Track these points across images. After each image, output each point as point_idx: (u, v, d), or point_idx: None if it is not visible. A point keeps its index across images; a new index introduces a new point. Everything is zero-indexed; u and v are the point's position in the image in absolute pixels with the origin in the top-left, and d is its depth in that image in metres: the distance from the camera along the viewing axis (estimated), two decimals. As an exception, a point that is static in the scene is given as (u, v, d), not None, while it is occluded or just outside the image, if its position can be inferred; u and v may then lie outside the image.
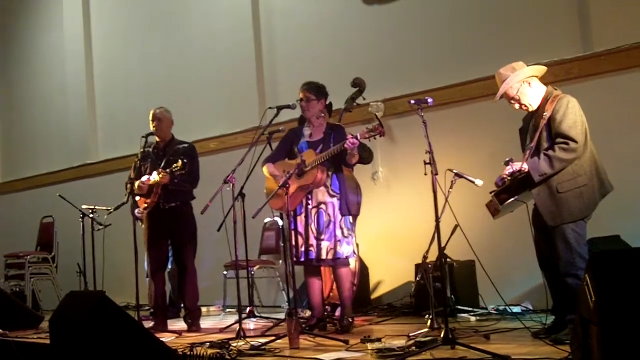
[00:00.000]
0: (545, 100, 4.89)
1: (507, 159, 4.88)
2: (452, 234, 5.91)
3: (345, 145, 5.68)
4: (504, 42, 7.35)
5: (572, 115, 4.72)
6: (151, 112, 7.03)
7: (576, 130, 4.69)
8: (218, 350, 5.00)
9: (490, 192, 4.97)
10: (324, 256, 5.91)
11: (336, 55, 8.67)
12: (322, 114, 6.19)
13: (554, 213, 4.74)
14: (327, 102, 6.30)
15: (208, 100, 9.96)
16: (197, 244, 7.02)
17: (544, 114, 4.78)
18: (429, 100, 5.25)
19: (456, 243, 5.91)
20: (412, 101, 5.21)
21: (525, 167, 4.76)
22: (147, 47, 10.79)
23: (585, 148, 4.74)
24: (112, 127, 11.17)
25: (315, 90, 6.17)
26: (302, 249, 5.96)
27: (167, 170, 6.56)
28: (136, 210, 6.93)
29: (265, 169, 6.20)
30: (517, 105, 4.99)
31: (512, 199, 4.81)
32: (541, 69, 5.03)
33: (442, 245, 5.10)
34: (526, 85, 4.92)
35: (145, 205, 6.86)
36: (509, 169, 4.84)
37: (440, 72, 7.76)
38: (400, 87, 7.92)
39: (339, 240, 5.91)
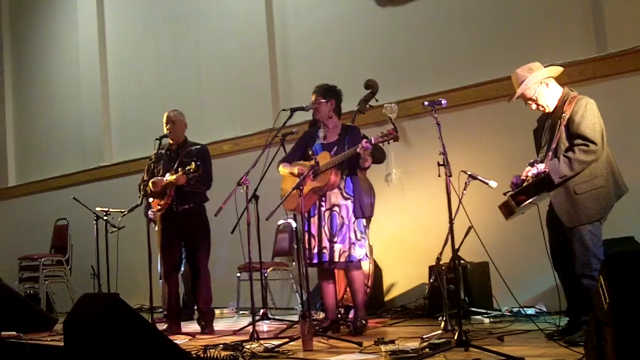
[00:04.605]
0: (562, 102, 4.88)
1: (532, 160, 4.87)
2: (465, 235, 5.93)
3: (358, 150, 5.69)
4: (518, 43, 7.33)
5: (590, 117, 4.72)
6: (165, 115, 7.06)
7: (595, 132, 4.68)
8: (232, 353, 5.00)
9: (505, 193, 4.96)
10: (337, 259, 5.90)
11: (349, 57, 8.67)
12: (332, 115, 6.18)
13: (571, 214, 4.73)
14: (340, 104, 6.28)
15: (221, 102, 9.98)
16: (211, 246, 7.02)
17: (563, 115, 4.77)
18: (443, 101, 5.25)
19: (470, 245, 5.90)
20: (426, 103, 5.21)
21: (547, 169, 4.74)
22: (160, 49, 10.82)
23: (602, 150, 4.73)
24: (125, 129, 11.20)
25: (323, 92, 6.17)
26: (315, 251, 5.95)
27: (183, 171, 6.58)
28: (149, 212, 6.95)
29: (282, 168, 6.20)
30: (534, 106, 4.99)
31: (529, 201, 4.79)
32: (557, 70, 5.02)
33: (456, 247, 5.10)
34: (544, 86, 4.91)
35: (159, 207, 6.88)
36: (532, 170, 4.81)
37: (454, 74, 7.74)
38: (414, 88, 7.91)
39: (353, 243, 5.90)
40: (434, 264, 6.05)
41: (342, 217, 5.94)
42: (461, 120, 7.48)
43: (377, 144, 5.76)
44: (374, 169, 7.19)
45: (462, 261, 6.69)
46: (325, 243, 5.93)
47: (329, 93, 6.18)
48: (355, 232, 5.95)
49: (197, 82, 10.28)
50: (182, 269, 7.41)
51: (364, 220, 6.09)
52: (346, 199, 5.99)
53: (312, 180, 5.95)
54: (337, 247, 5.90)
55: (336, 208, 5.97)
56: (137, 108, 11.02)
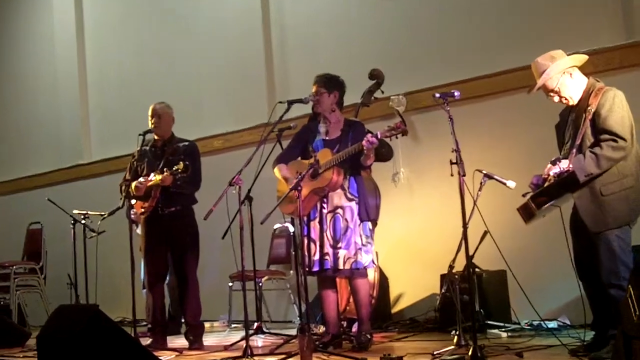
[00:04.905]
0: (587, 93, 4.87)
1: (554, 158, 4.85)
2: (481, 241, 5.85)
3: (363, 144, 5.66)
4: (538, 29, 7.33)
5: (619, 110, 4.71)
6: (151, 108, 7.05)
7: (624, 127, 4.68)
8: (223, 370, 5.00)
9: (524, 195, 4.95)
10: (341, 266, 5.90)
11: (352, 44, 8.69)
12: (335, 109, 6.19)
13: (597, 218, 4.72)
14: (343, 96, 6.30)
15: (212, 94, 9.99)
16: (200, 252, 7.03)
17: (588, 108, 4.75)
18: (456, 93, 5.27)
19: (486, 251, 5.87)
20: (437, 95, 5.24)
21: (571, 166, 4.72)
22: (144, 37, 10.83)
23: (631, 146, 4.72)
24: (106, 124, 11.20)
25: (325, 82, 6.18)
26: (316, 257, 5.96)
27: (169, 171, 6.59)
28: (132, 211, 6.94)
29: (276, 171, 6.22)
30: (556, 98, 4.98)
31: (550, 203, 4.77)
32: (582, 58, 5.01)
33: (470, 253, 5.11)
34: (567, 76, 4.90)
35: (143, 210, 6.88)
36: (555, 169, 4.79)
37: (468, 63, 7.74)
38: (423, 79, 7.91)
39: (359, 249, 5.91)
40: (445, 272, 6.02)
41: (346, 220, 5.95)
42: (476, 114, 7.47)
43: (384, 139, 5.75)
44: (380, 168, 7.34)
45: (477, 269, 6.70)
46: (328, 249, 5.94)
47: (332, 84, 6.19)
48: (361, 236, 5.95)
49: (185, 72, 10.29)
50: (168, 277, 7.41)
51: (369, 223, 6.09)
52: (350, 200, 6.00)
53: (312, 180, 5.95)
54: (342, 253, 5.91)
55: (339, 210, 5.98)
56: (119, 100, 11.02)
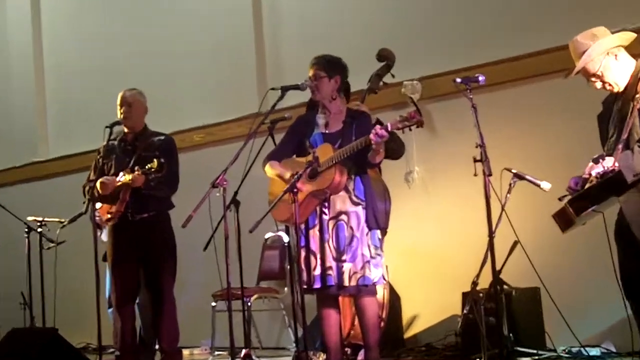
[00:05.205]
0: (635, 78, 4.85)
1: (597, 155, 4.82)
2: (510, 252, 5.91)
3: (371, 138, 5.62)
4: (576, 3, 7.33)
5: (674, 98, 4.71)
6: (120, 96, 7.09)
7: (680, 119, 4.68)
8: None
9: (561, 199, 4.96)
10: (346, 282, 5.86)
11: (357, 20, 8.70)
12: (336, 97, 6.19)
13: (648, 225, 4.72)
14: (346, 81, 6.31)
15: (192, 80, 10.01)
16: (177, 266, 7.06)
17: (637, 96, 4.73)
18: (481, 78, 5.30)
19: (516, 265, 5.90)
20: (458, 80, 5.28)
21: (617, 165, 4.68)
22: (112, 15, 10.86)
23: (688, 141, 4.72)
24: (66, 115, 11.23)
25: (325, 65, 6.16)
26: (317, 272, 5.93)
27: (141, 170, 6.62)
28: (96, 215, 6.94)
29: (268, 169, 6.20)
30: (598, 84, 4.98)
31: (592, 208, 4.76)
32: (629, 37, 4.99)
33: (498, 267, 5.15)
34: (612, 57, 4.90)
35: (109, 215, 6.90)
36: (597, 168, 4.76)
37: (495, 42, 7.74)
38: (442, 61, 7.91)
39: (367, 262, 5.88)
40: (468, 289, 6.07)
41: (351, 228, 5.92)
42: (504, 103, 7.50)
43: (395, 132, 5.71)
44: (390, 167, 7.30)
45: (505, 286, 6.68)
46: (331, 262, 5.90)
47: (333, 67, 6.17)
48: (368, 247, 5.92)
49: (160, 54, 10.30)
50: (140, 295, 7.38)
51: (378, 232, 6.08)
52: (356, 204, 5.97)
53: (310, 181, 5.94)
54: (347, 266, 5.87)
55: (343, 217, 5.95)
56: (82, 88, 11.03)
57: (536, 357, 6.55)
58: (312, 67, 6.19)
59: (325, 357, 6.39)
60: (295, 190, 5.63)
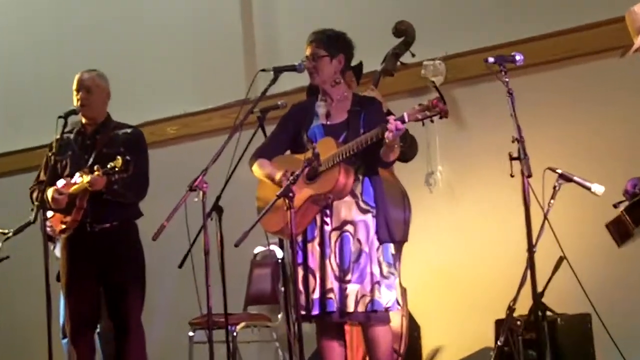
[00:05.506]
0: None
1: None
2: (554, 271, 5.96)
3: (388, 127, 5.57)
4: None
5: None
6: (76, 78, 7.10)
7: None
8: None
9: (616, 205, 5.09)
10: (351, 308, 5.83)
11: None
12: (339, 80, 6.18)
13: None
14: (351, 62, 6.30)
15: (164, 60, 9.98)
16: (147, 288, 7.10)
17: None
18: (518, 57, 5.32)
19: (561, 286, 5.95)
20: (491, 59, 5.29)
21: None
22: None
23: None
24: (11, 105, 11.21)
25: (325, 42, 6.15)
26: (316, 295, 5.90)
27: (102, 170, 6.56)
28: (48, 222, 6.95)
29: (256, 168, 6.18)
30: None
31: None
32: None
33: (539, 289, 5.21)
34: (676, 32, 4.97)
35: (63, 226, 6.88)
36: None
37: (535, 15, 7.77)
38: (471, 37, 7.93)
39: (377, 283, 5.84)
40: (503, 317, 6.08)
41: (358, 241, 5.89)
42: (545, 87, 7.54)
43: (414, 122, 5.65)
44: (408, 166, 7.33)
45: (548, 312, 6.58)
46: (332, 283, 5.88)
47: (335, 44, 6.16)
48: (380, 264, 5.89)
49: (126, 30, 10.30)
50: (100, 323, 7.40)
51: (392, 246, 6.05)
52: (365, 212, 5.94)
53: (309, 184, 5.92)
54: (352, 288, 5.84)
55: (349, 227, 5.91)
56: (30, 71, 11.03)
57: (586, 399, 6.61)
58: (310, 44, 6.19)
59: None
60: (290, 194, 5.55)
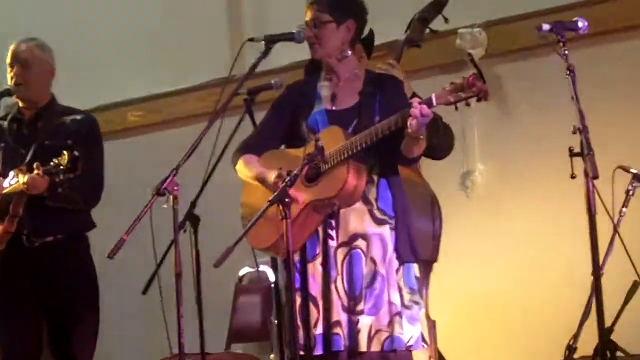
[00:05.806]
0: None
1: None
2: (627, 299, 6.04)
3: (408, 121, 5.37)
4: None
5: None
6: (10, 50, 7.15)
7: None
8: None
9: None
10: (363, 346, 5.64)
11: None
12: (348, 54, 6.00)
13: None
14: (363, 30, 6.17)
15: (125, 29, 10.06)
16: (101, 318, 7.10)
17: None
18: (581, 23, 5.33)
19: (636, 319, 5.94)
20: (546, 27, 5.29)
21: None
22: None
23: None
24: None
25: (332, 5, 5.98)
26: (319, 331, 5.71)
27: (43, 169, 6.48)
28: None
29: (241, 167, 5.99)
30: None
31: None
32: None
33: (608, 323, 5.24)
34: None
35: (-4, 240, 6.86)
36: None
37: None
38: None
39: (397, 314, 5.66)
40: (562, 358, 6.05)
41: (372, 260, 5.69)
42: (616, 62, 7.52)
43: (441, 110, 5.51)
44: (438, 165, 7.15)
45: (619, 353, 6.45)
46: (339, 314, 5.68)
47: (343, 6, 6.00)
48: (400, 291, 5.71)
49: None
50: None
51: (416, 266, 5.86)
52: (380, 223, 5.74)
53: (309, 186, 5.73)
54: (365, 321, 5.64)
55: (360, 242, 5.71)
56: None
57: None
58: (311, 7, 6.05)
59: None
60: (285, 200, 5.31)
